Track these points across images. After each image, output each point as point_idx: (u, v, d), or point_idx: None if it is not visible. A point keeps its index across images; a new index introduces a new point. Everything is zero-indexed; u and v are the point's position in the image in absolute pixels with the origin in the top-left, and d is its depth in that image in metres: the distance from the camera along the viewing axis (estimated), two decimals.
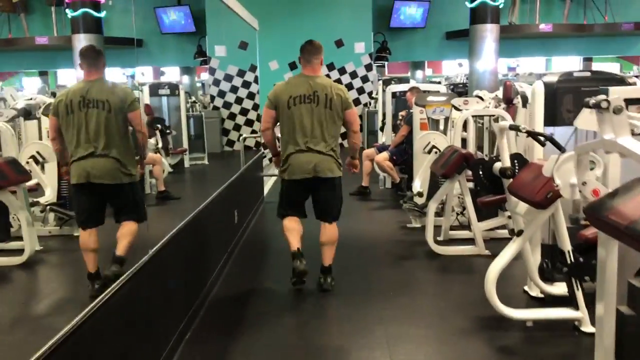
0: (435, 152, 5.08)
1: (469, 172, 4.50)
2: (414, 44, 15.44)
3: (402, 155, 6.94)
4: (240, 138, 6.91)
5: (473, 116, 5.15)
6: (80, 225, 3.81)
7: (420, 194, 5.20)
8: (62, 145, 3.79)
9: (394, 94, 7.76)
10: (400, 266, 4.70)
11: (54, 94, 14.51)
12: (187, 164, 10.81)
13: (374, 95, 11.58)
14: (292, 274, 4.03)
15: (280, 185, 4.24)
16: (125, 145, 3.73)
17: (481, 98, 5.21)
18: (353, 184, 7.79)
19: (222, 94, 13.70)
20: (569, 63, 20.29)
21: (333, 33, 13.36)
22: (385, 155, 6.97)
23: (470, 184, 4.77)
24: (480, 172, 3.81)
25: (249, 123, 13.58)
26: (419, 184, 5.20)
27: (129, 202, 3.79)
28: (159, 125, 8.94)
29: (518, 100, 5.33)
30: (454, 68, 24.25)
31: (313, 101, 3.93)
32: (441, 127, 6.25)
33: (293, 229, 4.10)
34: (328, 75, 13.30)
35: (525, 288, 3.92)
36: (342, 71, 13.38)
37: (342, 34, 13.36)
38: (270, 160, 6.70)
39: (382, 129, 8.88)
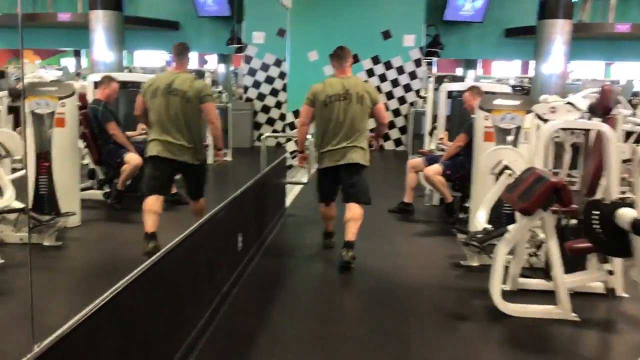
0: (510, 175, 3.78)
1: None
2: (468, 40, 14.03)
3: (458, 170, 5.67)
4: (262, 137, 5.78)
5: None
6: (149, 191, 4.35)
7: (487, 234, 3.82)
8: (147, 121, 4.49)
9: (449, 94, 6.47)
10: (453, 331, 3.45)
11: (78, 75, 13.78)
12: (210, 160, 9.75)
13: (422, 93, 10.28)
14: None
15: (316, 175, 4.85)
16: (197, 131, 4.36)
17: (572, 105, 3.89)
18: (393, 198, 6.56)
19: (257, 84, 12.61)
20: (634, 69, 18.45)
21: (380, 23, 12.10)
22: (437, 168, 5.70)
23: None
24: (596, 221, 2.55)
25: (283, 117, 12.44)
26: (484, 216, 3.91)
27: (197, 182, 4.53)
28: None
29: (618, 111, 4.01)
30: (506, 69, 22.61)
31: (346, 99, 4.48)
32: (509, 138, 4.97)
33: (328, 215, 4.85)
34: (371, 70, 12.16)
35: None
36: (387, 65, 12.11)
37: (391, 25, 12.08)
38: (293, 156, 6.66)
39: (431, 133, 7.60)
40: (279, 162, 6.01)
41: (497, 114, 4.84)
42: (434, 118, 7.60)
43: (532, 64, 13.42)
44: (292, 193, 6.92)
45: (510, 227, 3.50)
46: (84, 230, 5.12)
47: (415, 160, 6.21)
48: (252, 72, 12.65)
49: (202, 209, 4.43)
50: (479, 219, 3.83)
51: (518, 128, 4.84)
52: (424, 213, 6.32)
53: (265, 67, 12.64)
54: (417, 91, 12.06)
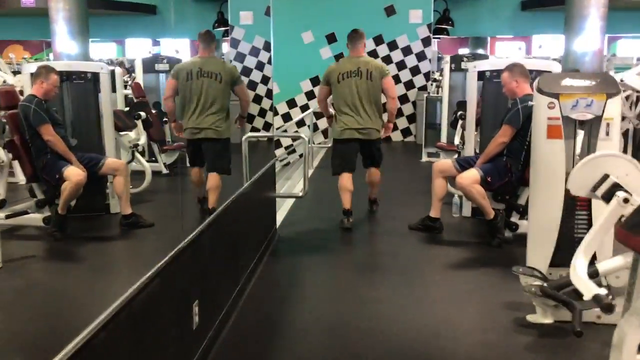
0: (626, 200, 2.35)
1: None
2: (480, 15, 12.58)
3: (502, 176, 4.29)
4: (243, 139, 4.40)
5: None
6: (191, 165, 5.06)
7: (608, 304, 2.25)
8: (173, 103, 4.98)
9: (480, 75, 5.06)
10: None
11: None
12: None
13: (435, 76, 8.85)
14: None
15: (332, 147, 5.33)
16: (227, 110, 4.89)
17: None
18: (410, 206, 5.21)
19: (246, 71, 11.15)
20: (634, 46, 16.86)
21: None
22: (474, 174, 4.30)
23: None
24: None
25: (274, 110, 11.00)
26: (585, 266, 2.46)
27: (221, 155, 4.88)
28: (141, 113, 6.48)
29: None
30: (509, 48, 21.07)
31: (358, 75, 4.91)
32: (580, 135, 3.59)
33: (346, 187, 5.05)
34: (374, 51, 10.72)
35: None
36: (392, 46, 10.68)
37: None
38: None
39: (454, 125, 6.20)
40: (267, 170, 4.61)
41: (567, 99, 3.44)
42: (459, 106, 6.20)
43: (552, 40, 11.98)
44: (284, 207, 5.51)
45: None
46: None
47: (443, 163, 4.80)
48: (240, 57, 11.20)
49: (217, 185, 4.72)
50: (580, 273, 2.42)
51: (597, 119, 3.44)
52: (454, 229, 4.93)
53: (255, 52, 11.18)
54: (426, 74, 10.64)
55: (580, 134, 3.76)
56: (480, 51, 17.08)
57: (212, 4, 12.69)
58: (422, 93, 10.19)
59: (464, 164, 4.57)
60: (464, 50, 18.26)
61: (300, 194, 4.57)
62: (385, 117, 5.12)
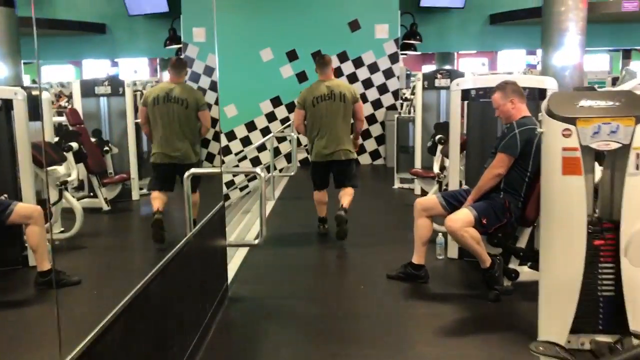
0: None
1: None
2: (447, 29, 12.02)
3: (499, 216, 3.55)
4: (185, 176, 3.55)
5: None
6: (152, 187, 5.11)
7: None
8: (149, 128, 5.05)
9: (464, 94, 4.33)
10: None
11: None
12: (136, 195, 7.46)
13: (406, 94, 8.16)
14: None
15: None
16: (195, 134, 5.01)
17: None
18: (386, 246, 4.49)
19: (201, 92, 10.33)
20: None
21: (346, 11, 10.00)
22: (466, 216, 3.54)
23: None
24: None
25: (232, 136, 10.20)
26: None
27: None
28: (72, 145, 5.59)
29: None
30: (473, 64, 20.81)
31: (331, 98, 5.08)
32: (598, 170, 2.92)
33: (321, 201, 5.34)
34: (339, 68, 10.01)
35: None
36: (357, 63, 9.99)
37: (359, 13, 9.98)
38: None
39: (432, 150, 5.49)
40: (215, 214, 3.76)
41: (586, 125, 2.73)
42: (436, 127, 5.50)
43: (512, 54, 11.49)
44: (238, 255, 4.63)
45: None
46: None
47: (427, 201, 4.02)
48: (194, 76, 10.36)
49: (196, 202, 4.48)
50: None
51: (624, 148, 2.74)
52: (441, 277, 4.15)
53: (209, 71, 10.37)
54: (395, 92, 9.97)
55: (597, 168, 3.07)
56: (447, 67, 16.68)
57: (163, 20, 11.87)
58: (392, 113, 9.50)
59: (452, 201, 3.82)
60: (429, 67, 17.82)
61: (256, 242, 3.73)
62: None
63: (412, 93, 7.69)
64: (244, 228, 5.95)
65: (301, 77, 10.04)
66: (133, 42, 13.07)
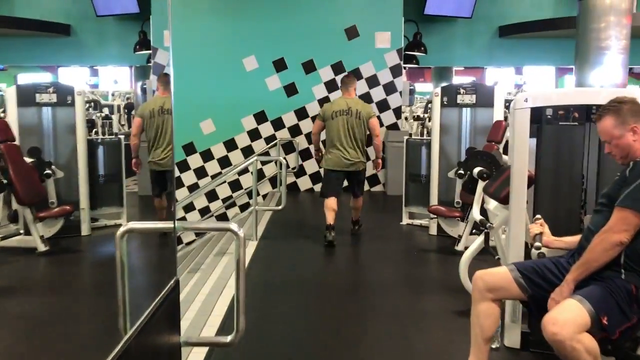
0: None
1: None
2: (452, 41, 10.85)
3: (627, 313, 2.22)
4: (118, 234, 2.22)
5: None
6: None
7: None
8: (139, 141, 5.84)
9: (536, 115, 3.01)
10: None
11: None
12: (85, 230, 6.04)
13: (417, 113, 6.83)
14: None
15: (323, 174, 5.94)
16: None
17: None
18: (418, 329, 3.16)
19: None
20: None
21: (342, 16, 8.72)
22: (578, 314, 2.18)
23: None
24: None
25: (208, 156, 8.80)
26: None
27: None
28: None
29: None
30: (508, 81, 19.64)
31: (348, 114, 5.58)
32: None
33: (331, 207, 5.51)
34: (333, 81, 8.64)
35: None
36: (355, 75, 8.66)
37: (357, 19, 8.71)
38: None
39: (470, 187, 4.17)
40: (164, 299, 2.35)
41: None
42: (470, 155, 4.20)
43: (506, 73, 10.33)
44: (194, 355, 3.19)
45: None
46: None
47: (494, 275, 2.62)
48: None
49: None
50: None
51: None
52: None
53: None
54: (397, 110, 8.70)
55: None
56: (443, 84, 15.51)
57: (133, 23, 10.51)
58: (395, 133, 8.22)
59: (535, 278, 2.48)
60: (423, 85, 16.65)
61: (228, 339, 2.33)
62: (370, 150, 5.89)
63: (426, 111, 6.42)
64: (211, 297, 4.36)
65: (290, 89, 8.72)
66: (102, 46, 11.66)
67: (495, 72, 20.65)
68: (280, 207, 5.69)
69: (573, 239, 2.63)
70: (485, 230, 3.63)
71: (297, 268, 4.77)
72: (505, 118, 5.67)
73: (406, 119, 8.77)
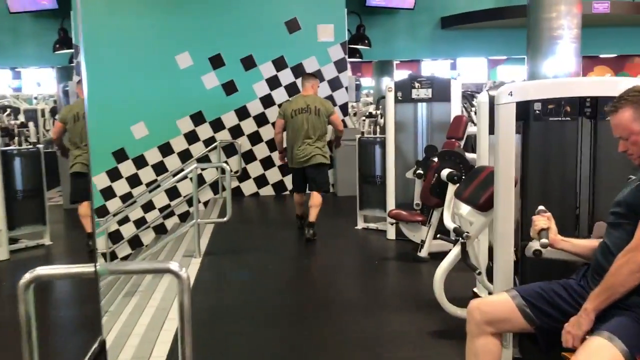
0: None
1: None
2: (394, 33, 10.52)
3: None
4: (21, 282, 1.66)
5: None
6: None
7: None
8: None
9: (523, 110, 2.61)
10: None
11: None
12: (4, 254, 5.31)
13: (369, 110, 6.35)
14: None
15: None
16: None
17: None
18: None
19: None
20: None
21: (282, 9, 8.23)
22: (610, 355, 1.79)
23: None
24: None
25: (142, 163, 8.11)
26: None
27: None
28: None
29: None
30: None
31: (307, 111, 5.66)
32: None
33: (299, 202, 5.92)
34: (275, 78, 8.13)
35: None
36: (297, 71, 8.21)
37: (298, 11, 8.23)
38: None
39: (438, 191, 3.77)
40: None
41: None
42: (429, 151, 3.81)
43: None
44: None
45: None
46: None
47: (493, 305, 2.16)
48: None
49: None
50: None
51: None
52: None
53: None
54: (343, 106, 8.27)
55: None
56: (385, 79, 15.22)
57: (52, 20, 9.62)
58: (357, 134, 7.79)
59: (543, 306, 2.07)
60: (366, 80, 16.31)
61: None
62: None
63: (378, 107, 6.00)
64: (150, 332, 3.68)
65: (229, 87, 8.13)
66: (18, 46, 10.65)
67: (430, 66, 20.65)
68: (225, 219, 5.13)
69: (582, 243, 2.25)
70: (462, 241, 3.23)
71: (247, 288, 4.24)
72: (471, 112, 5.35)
73: (354, 115, 8.34)
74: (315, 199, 5.60)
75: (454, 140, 4.73)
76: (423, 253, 4.73)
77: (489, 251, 3.63)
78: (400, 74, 20.14)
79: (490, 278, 3.23)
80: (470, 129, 4.84)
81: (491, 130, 3.68)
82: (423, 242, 4.75)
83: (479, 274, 3.13)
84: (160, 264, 1.88)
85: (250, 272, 4.64)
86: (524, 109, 2.66)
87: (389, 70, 14.90)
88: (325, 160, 5.67)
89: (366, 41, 9.26)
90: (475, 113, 6.03)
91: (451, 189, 3.52)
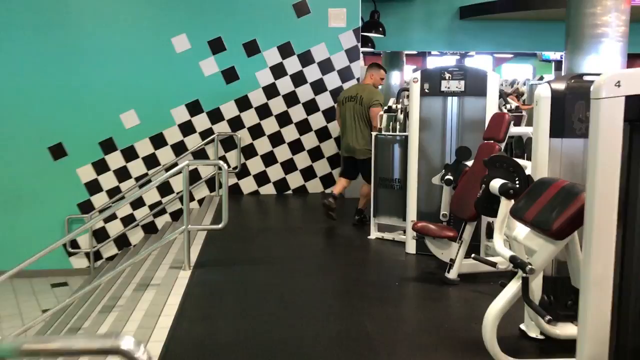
0: None
1: None
2: (409, 22, 9.77)
3: None
4: None
5: None
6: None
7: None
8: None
9: (635, 107, 1.90)
10: None
11: None
12: None
13: (389, 103, 5.59)
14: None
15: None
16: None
17: None
18: None
19: None
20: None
21: None
22: None
23: None
24: None
25: (132, 155, 7.38)
26: None
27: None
28: None
29: None
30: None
31: (354, 100, 5.70)
32: None
33: (340, 183, 5.92)
34: (280, 65, 7.19)
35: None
36: (305, 59, 7.48)
37: None
38: None
39: (488, 209, 3.03)
40: None
41: None
42: (461, 154, 3.10)
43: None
44: None
45: None
46: None
47: None
48: None
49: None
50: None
51: None
52: None
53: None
54: None
55: None
56: (395, 73, 14.46)
57: None
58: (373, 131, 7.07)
59: None
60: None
61: None
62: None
63: (398, 101, 5.26)
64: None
65: (230, 75, 7.39)
66: None
67: (436, 61, 19.89)
68: (220, 226, 4.38)
69: None
70: (524, 275, 2.50)
71: (243, 314, 3.52)
72: (510, 110, 4.61)
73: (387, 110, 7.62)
74: (362, 188, 5.69)
75: (492, 142, 4.01)
76: (452, 275, 4.02)
77: (545, 282, 2.94)
78: (407, 69, 19.41)
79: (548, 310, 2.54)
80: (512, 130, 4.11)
81: (554, 133, 2.99)
82: (452, 261, 4.03)
83: (550, 321, 2.40)
84: (106, 340, 1.14)
85: (246, 292, 3.91)
86: (634, 106, 1.93)
87: (398, 63, 14.17)
88: (364, 155, 5.54)
89: (380, 29, 8.49)
90: (509, 111, 5.30)
91: (505, 205, 2.79)
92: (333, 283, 4.07)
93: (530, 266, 2.46)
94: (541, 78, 17.09)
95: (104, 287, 5.17)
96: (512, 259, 2.57)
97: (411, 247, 4.75)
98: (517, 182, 2.95)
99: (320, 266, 4.52)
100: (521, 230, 2.76)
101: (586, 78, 3.05)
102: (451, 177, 4.30)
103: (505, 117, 3.99)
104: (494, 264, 3.86)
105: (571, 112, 2.98)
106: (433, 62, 20.56)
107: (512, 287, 2.57)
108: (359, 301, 3.71)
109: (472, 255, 3.92)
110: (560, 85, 2.98)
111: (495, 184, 2.89)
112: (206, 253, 4.75)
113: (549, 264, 2.68)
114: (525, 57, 19.62)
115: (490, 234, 4.26)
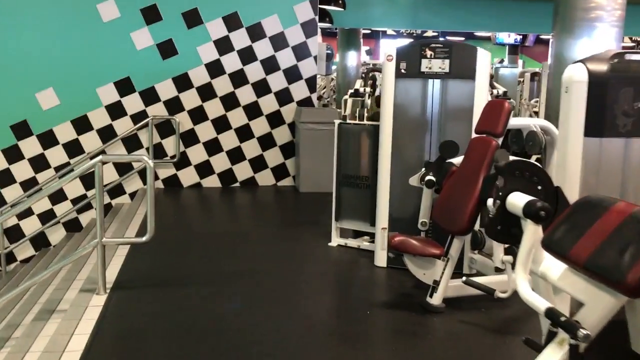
0: None
1: None
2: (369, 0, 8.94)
3: None
4: None
5: None
6: None
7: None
8: None
9: None
10: None
11: None
12: None
13: (356, 87, 4.72)
14: None
15: None
16: None
17: None
18: None
19: None
20: None
21: None
22: None
23: None
24: None
25: (51, 141, 6.33)
26: None
27: None
28: None
29: None
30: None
31: None
32: None
33: None
34: (226, 39, 5.79)
35: None
36: (254, 32, 6.55)
37: None
38: None
39: (506, 234, 2.23)
40: None
41: None
42: (444, 150, 2.30)
43: None
44: None
45: None
46: None
47: None
48: None
49: None
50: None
51: None
52: None
53: None
54: (311, 80, 6.65)
55: None
56: (351, 54, 13.64)
57: None
58: (310, 111, 6.23)
59: None
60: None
61: None
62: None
63: (366, 83, 4.42)
64: None
65: (166, 49, 6.39)
66: None
67: (390, 43, 19.23)
68: (144, 239, 3.45)
69: None
70: (572, 342, 1.71)
71: (175, 357, 2.64)
72: (497, 97, 3.83)
73: (321, 95, 6.76)
74: None
75: (488, 136, 3.23)
76: (436, 300, 3.24)
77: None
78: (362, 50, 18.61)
79: None
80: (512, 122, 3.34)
81: (590, 130, 2.22)
82: (437, 283, 3.25)
83: None
84: None
85: (178, 326, 3.02)
86: None
87: (355, 42, 13.35)
88: None
89: (340, 1, 7.61)
90: (497, 96, 4.54)
91: (532, 232, 2.00)
92: (285, 314, 3.22)
93: (583, 330, 1.68)
94: (501, 61, 16.64)
95: (4, 308, 4.17)
96: (551, 316, 1.78)
97: (381, 260, 3.96)
98: (541, 196, 2.16)
99: (270, 288, 3.64)
100: (551, 265, 1.99)
101: (630, 57, 2.29)
102: (433, 178, 3.51)
103: (505, 105, 3.21)
104: (491, 291, 3.12)
105: (614, 102, 2.22)
106: (386, 44, 19.88)
107: (552, 357, 1.78)
108: (322, 343, 2.88)
109: (464, 278, 3.18)
110: (601, 66, 2.21)
111: (517, 201, 2.08)
112: (130, 268, 3.81)
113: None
114: (477, 40, 19.14)
115: (475, 244, 3.49)
